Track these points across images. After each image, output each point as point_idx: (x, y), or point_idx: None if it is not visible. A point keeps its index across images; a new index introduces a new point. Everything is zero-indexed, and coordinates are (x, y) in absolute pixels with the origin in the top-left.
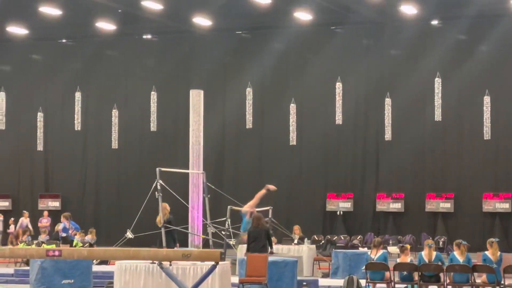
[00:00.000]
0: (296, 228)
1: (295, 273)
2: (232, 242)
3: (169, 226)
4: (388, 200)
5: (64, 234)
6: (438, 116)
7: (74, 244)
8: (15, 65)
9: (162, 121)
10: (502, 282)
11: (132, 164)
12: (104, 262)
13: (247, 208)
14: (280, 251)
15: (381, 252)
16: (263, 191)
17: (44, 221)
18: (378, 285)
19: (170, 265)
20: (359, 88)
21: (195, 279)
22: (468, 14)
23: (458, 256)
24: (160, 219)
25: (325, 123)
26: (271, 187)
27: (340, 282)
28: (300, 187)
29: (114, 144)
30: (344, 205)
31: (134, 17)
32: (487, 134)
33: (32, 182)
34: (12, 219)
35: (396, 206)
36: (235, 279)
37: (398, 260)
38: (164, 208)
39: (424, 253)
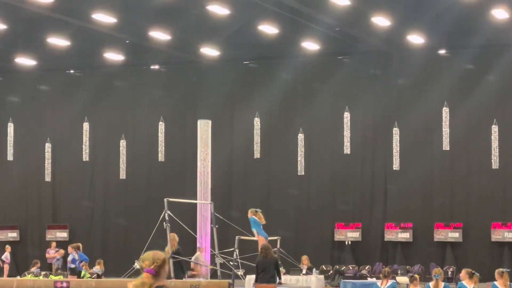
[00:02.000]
0: (305, 258)
1: None
2: (240, 272)
3: (178, 256)
4: (397, 229)
5: (72, 265)
6: (446, 145)
7: (82, 275)
8: (23, 96)
9: (170, 151)
10: None
11: (140, 194)
12: None
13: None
14: (289, 281)
15: (390, 282)
16: None
17: (52, 252)
18: None
19: None
20: (367, 118)
21: None
22: (475, 43)
23: (467, 285)
24: (168, 249)
25: (333, 153)
26: None
27: None
28: (308, 217)
29: (122, 175)
30: (352, 234)
31: (141, 47)
32: (495, 163)
33: (40, 212)
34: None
35: (404, 235)
36: None
37: None
38: (172, 239)
39: (431, 284)
